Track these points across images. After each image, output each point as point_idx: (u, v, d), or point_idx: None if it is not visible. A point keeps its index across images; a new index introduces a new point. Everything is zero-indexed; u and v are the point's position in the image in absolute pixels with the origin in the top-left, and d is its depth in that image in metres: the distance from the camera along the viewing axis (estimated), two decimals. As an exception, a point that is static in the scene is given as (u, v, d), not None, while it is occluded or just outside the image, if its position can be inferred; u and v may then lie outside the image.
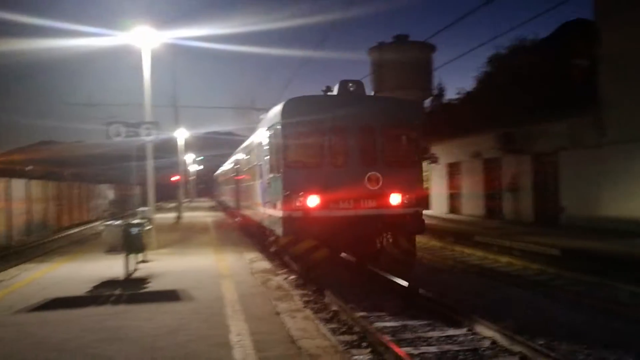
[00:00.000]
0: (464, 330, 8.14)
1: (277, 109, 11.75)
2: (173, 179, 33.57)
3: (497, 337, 7.54)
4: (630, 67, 17.98)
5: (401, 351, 6.76)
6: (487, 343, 7.48)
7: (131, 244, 10.80)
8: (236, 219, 24.68)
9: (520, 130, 22.93)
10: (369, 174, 11.18)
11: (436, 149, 32.16)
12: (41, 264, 12.96)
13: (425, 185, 39.99)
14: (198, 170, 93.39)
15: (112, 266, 11.86)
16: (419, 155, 11.94)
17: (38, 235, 25.96)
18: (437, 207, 32.45)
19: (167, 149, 26.33)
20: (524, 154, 23.29)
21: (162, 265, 12.26)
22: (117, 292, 9.14)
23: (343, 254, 13.20)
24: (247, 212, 18.82)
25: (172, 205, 35.66)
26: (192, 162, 76.61)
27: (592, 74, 20.58)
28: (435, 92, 58.36)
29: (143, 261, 12.83)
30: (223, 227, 23.55)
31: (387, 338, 7.39)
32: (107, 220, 13.00)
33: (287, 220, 10.92)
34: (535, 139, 22.54)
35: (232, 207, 26.53)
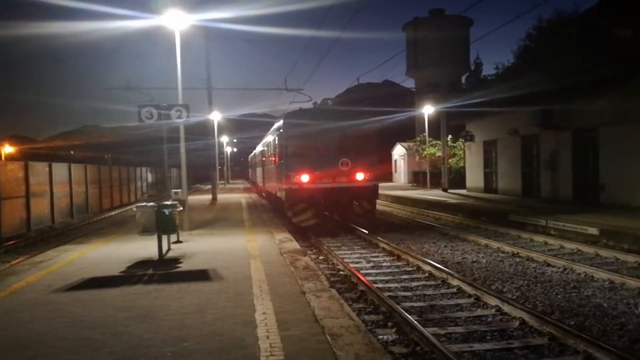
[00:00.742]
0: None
1: (281, 119, 18.70)
2: None
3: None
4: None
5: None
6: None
7: (163, 225, 11.09)
8: (262, 194, 30.55)
9: (559, 105, 22.26)
10: (341, 159, 17.51)
11: (472, 127, 31.57)
12: (80, 245, 13.44)
13: (460, 163, 39.41)
14: (232, 153, 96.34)
15: (147, 247, 12.21)
16: (373, 149, 18.20)
17: (79, 218, 26.90)
18: (473, 186, 31.97)
19: (202, 131, 26.72)
20: (563, 130, 22.64)
21: (195, 246, 12.55)
22: (150, 271, 9.42)
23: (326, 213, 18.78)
24: (268, 188, 25.09)
25: (209, 187, 36.35)
26: (226, 145, 77.86)
27: (636, 45, 19.72)
28: (472, 67, 57.10)
29: (177, 242, 13.17)
30: (255, 208, 23.88)
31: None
32: (143, 202, 13.34)
33: (288, 191, 17.46)
34: (575, 114, 21.85)
35: (259, 185, 32.35)
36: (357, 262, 12.53)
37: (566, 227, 15.58)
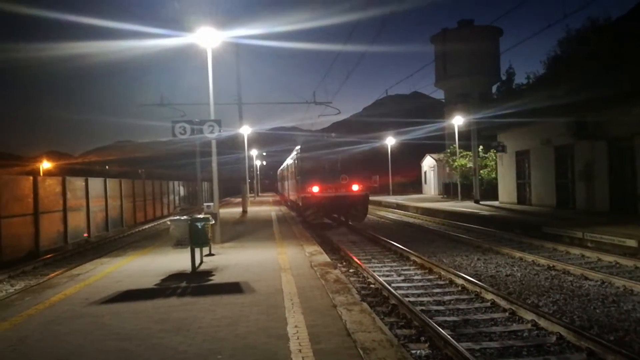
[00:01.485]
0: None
1: (298, 147, 25.84)
2: None
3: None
4: None
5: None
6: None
7: (196, 238, 11.24)
8: (287, 202, 37.17)
9: (593, 115, 21.80)
10: (342, 176, 24.21)
11: (503, 137, 31.13)
12: (115, 259, 13.71)
13: (492, 175, 38.81)
14: (262, 166, 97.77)
15: (180, 260, 12.37)
16: (363, 169, 24.94)
17: (114, 231, 27.47)
18: (505, 197, 31.45)
19: (232, 145, 27.09)
20: (598, 139, 22.14)
21: (227, 259, 12.66)
22: (183, 284, 9.54)
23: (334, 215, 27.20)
24: (290, 197, 32.15)
25: (239, 199, 37.00)
26: (256, 158, 78.78)
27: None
28: (503, 77, 56.49)
29: (209, 254, 13.31)
30: (285, 221, 23.98)
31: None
32: (176, 216, 13.55)
33: (303, 199, 24.17)
34: (610, 123, 21.36)
35: (285, 195, 40.62)
36: (387, 275, 12.44)
37: (603, 239, 15.17)
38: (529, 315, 8.14)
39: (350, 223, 24.89)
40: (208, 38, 16.35)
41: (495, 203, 31.81)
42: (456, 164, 42.22)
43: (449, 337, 7.01)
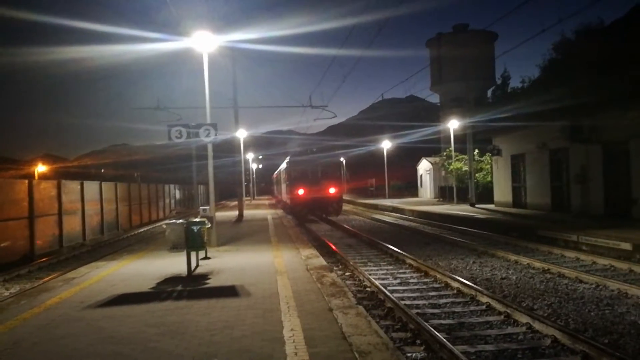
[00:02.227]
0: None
1: (288, 158, 33.77)
2: None
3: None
4: None
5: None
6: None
7: (192, 241, 11.23)
8: (279, 202, 45.60)
9: (588, 119, 21.91)
10: (322, 182, 31.21)
11: (499, 141, 31.24)
12: (111, 262, 13.68)
13: (487, 178, 38.94)
14: (258, 169, 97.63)
15: (176, 263, 12.36)
16: (340, 176, 33.16)
17: (110, 235, 27.40)
18: (501, 200, 31.55)
19: (228, 148, 27.10)
20: (593, 143, 22.25)
21: (223, 262, 12.66)
22: (179, 288, 9.53)
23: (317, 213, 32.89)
24: (283, 198, 39.19)
25: (235, 203, 37.40)
26: (252, 161, 78.53)
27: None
28: (499, 81, 56.60)
29: (205, 258, 13.30)
30: (282, 224, 23.99)
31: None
32: (172, 219, 13.57)
33: (292, 199, 31.94)
34: (605, 127, 21.47)
35: (278, 197, 48.60)
36: (383, 279, 12.47)
37: (598, 243, 15.24)
38: (523, 319, 8.17)
39: (329, 218, 31.67)
40: (204, 42, 16.37)
41: (491, 206, 31.90)
42: (452, 167, 42.34)
43: (444, 340, 7.03)
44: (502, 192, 31.37)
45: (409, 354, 6.89)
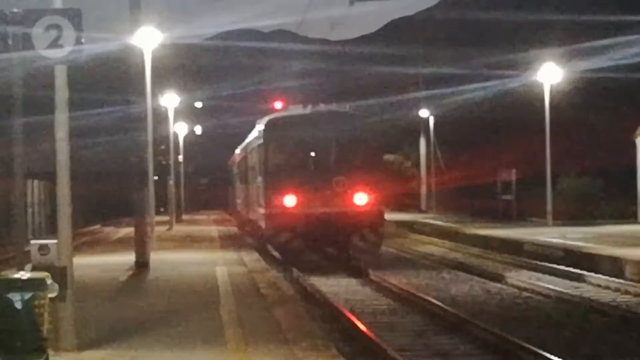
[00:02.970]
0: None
1: (262, 123, 18.47)
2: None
3: None
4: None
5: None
6: None
7: (8, 337, 5.07)
8: (242, 224, 26.95)
9: None
10: (335, 177, 16.51)
11: None
12: None
13: None
14: (196, 141, 52.13)
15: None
16: (376, 163, 18.92)
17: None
18: None
19: (121, 86, 13.86)
20: None
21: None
22: None
23: None
24: (250, 215, 22.40)
25: (131, 230, 20.79)
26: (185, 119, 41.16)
27: None
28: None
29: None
30: (251, 287, 10.92)
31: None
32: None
33: (268, 217, 17.11)
34: None
35: (241, 211, 28.12)
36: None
37: None
38: None
39: (352, 262, 16.09)
40: None
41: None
42: None
43: None
44: None
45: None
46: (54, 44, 6.68)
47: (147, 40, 15.96)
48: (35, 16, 6.67)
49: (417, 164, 42.95)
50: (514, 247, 19.44)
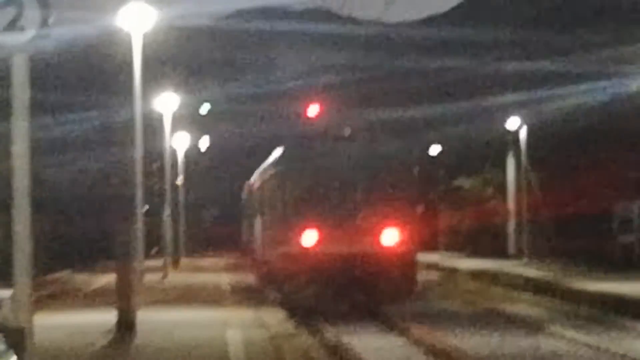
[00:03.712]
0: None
1: (278, 152, 23.29)
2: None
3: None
4: None
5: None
6: None
7: None
8: (258, 269, 29.13)
9: None
10: (362, 210, 20.34)
11: None
12: None
13: None
14: (203, 152, 53.40)
15: None
16: (415, 193, 23.09)
17: None
18: None
19: (106, 83, 16.21)
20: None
21: None
22: None
23: None
24: (263, 255, 26.49)
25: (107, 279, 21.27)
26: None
27: None
28: None
29: None
30: None
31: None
32: None
33: (284, 257, 20.67)
34: None
35: (255, 252, 31.13)
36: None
37: None
38: None
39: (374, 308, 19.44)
40: None
41: None
42: None
43: None
44: None
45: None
46: (12, 25, 7.24)
47: (137, 20, 15.69)
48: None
49: (501, 192, 42.30)
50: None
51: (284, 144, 22.31)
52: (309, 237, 19.22)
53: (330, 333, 15.73)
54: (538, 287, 26.00)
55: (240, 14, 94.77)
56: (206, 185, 56.49)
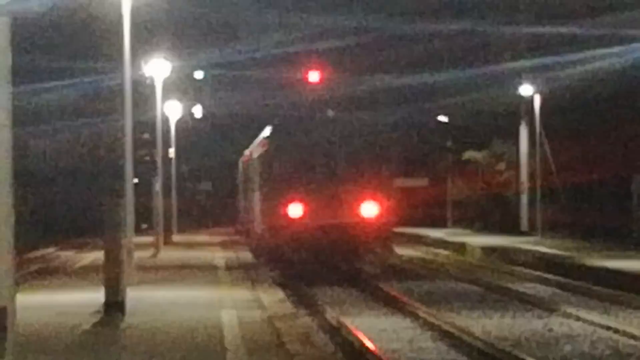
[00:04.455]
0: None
1: (267, 130, 27.53)
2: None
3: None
4: None
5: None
6: None
7: None
8: (251, 239, 33.32)
9: None
10: (344, 187, 24.84)
11: None
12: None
13: None
14: (195, 125, 52.38)
15: None
16: (391, 169, 27.41)
17: None
18: None
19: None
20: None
21: None
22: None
23: None
24: (255, 227, 30.79)
25: (98, 253, 21.04)
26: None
27: None
28: None
29: None
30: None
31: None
32: None
33: (272, 226, 25.48)
34: None
35: (248, 222, 35.97)
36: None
37: None
38: None
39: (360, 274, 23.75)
40: None
41: None
42: None
43: None
44: None
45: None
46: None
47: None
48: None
49: (514, 166, 42.27)
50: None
51: (272, 123, 26.75)
52: (295, 210, 23.91)
53: (331, 314, 15.85)
54: (551, 265, 26.32)
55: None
56: (200, 157, 56.56)
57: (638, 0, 44.61)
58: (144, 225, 34.91)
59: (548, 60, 42.46)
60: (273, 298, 16.66)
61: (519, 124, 41.13)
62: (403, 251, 31.93)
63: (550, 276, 24.48)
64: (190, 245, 36.25)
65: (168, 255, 29.30)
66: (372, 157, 24.98)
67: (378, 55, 60.01)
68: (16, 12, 7.36)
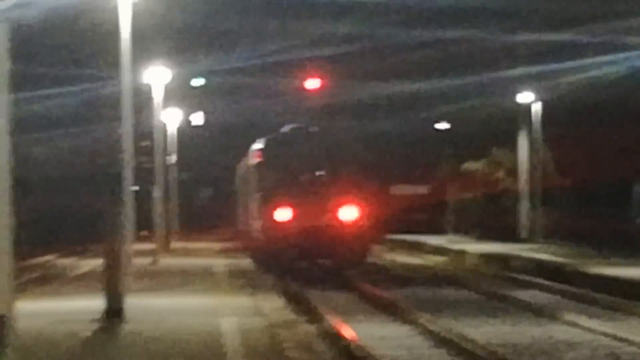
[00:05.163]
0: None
1: (259, 144, 30.48)
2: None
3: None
4: None
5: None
6: None
7: None
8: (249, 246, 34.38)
9: None
10: (326, 192, 28.41)
11: None
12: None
13: None
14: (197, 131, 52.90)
15: None
16: (369, 177, 30.21)
17: None
18: None
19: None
20: None
21: None
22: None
23: None
24: (252, 232, 32.04)
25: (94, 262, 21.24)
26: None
27: None
28: None
29: None
30: None
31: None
32: None
33: (266, 228, 28.41)
34: None
35: (246, 228, 36.33)
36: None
37: None
38: None
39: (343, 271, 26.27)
40: None
41: None
42: None
43: None
44: None
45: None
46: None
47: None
48: None
49: (512, 172, 42.34)
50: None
51: (263, 137, 30.08)
52: (284, 213, 27.12)
53: (331, 321, 15.88)
54: (551, 272, 26.21)
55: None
56: (200, 163, 56.69)
57: (637, 8, 44.75)
58: (144, 232, 34.96)
59: (547, 67, 42.67)
60: (273, 305, 16.87)
61: (518, 131, 41.32)
62: (403, 258, 32.04)
63: (550, 283, 24.48)
64: (190, 252, 36.24)
65: (168, 262, 29.48)
66: (351, 167, 28.44)
67: (377, 63, 60.24)
68: (12, 19, 7.52)
